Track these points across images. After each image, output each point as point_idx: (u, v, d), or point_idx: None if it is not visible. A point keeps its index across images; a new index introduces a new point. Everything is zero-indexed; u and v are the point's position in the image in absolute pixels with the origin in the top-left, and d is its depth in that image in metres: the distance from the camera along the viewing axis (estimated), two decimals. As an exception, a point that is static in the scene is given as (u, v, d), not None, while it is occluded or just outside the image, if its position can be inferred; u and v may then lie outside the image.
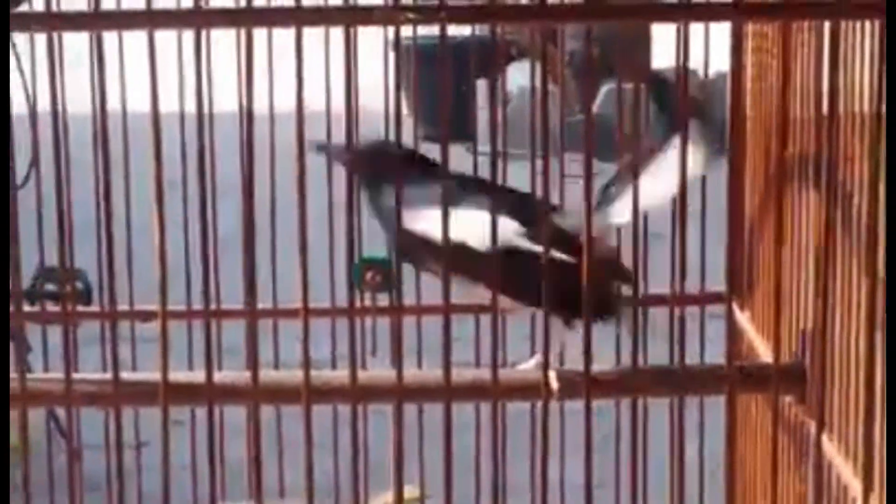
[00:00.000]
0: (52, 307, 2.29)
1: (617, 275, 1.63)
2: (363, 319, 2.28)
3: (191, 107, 1.48)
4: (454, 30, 1.34)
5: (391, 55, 2.46)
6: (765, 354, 1.72)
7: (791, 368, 1.57)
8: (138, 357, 2.13)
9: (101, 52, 1.41)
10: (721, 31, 1.61)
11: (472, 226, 1.60)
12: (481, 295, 1.64)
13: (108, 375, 1.48)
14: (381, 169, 1.71)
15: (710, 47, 2.05)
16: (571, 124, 2.24)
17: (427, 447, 2.12)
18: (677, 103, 1.45)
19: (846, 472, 1.41)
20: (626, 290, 1.62)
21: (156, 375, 1.44)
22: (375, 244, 2.04)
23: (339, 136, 1.97)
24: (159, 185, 1.39)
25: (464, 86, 2.39)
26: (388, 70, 2.40)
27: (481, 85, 2.64)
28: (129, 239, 2.21)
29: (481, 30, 2.29)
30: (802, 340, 1.59)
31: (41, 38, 1.52)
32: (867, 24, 1.34)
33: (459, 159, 1.72)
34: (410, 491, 2.09)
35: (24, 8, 1.47)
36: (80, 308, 2.27)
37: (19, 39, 2.64)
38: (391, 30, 1.80)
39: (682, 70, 1.63)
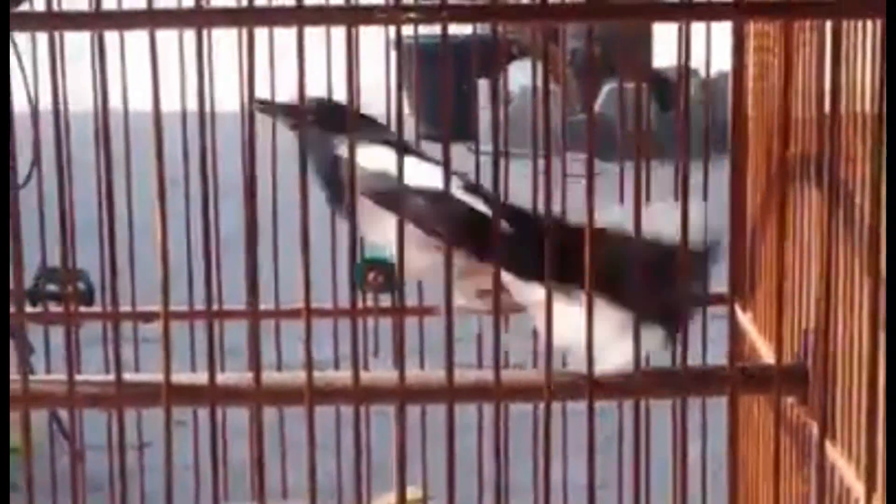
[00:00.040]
0: (54, 308, 2.29)
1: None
2: (365, 320, 2.28)
3: (192, 105, 1.48)
4: (456, 29, 1.34)
5: (393, 54, 2.46)
6: (767, 355, 1.72)
7: (793, 369, 1.57)
8: (141, 358, 2.13)
9: (102, 50, 1.41)
10: (723, 31, 1.61)
11: (418, 171, 1.62)
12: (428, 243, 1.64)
13: (111, 377, 1.48)
14: (325, 127, 1.73)
15: (712, 46, 2.05)
16: (573, 124, 2.24)
17: (430, 448, 2.12)
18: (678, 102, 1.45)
19: (849, 474, 1.41)
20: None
21: (158, 376, 1.44)
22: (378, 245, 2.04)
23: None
24: (161, 185, 1.39)
25: (465, 85, 2.39)
26: (389, 69, 2.39)
27: (483, 84, 2.63)
28: (131, 239, 2.21)
29: (483, 29, 2.29)
30: (805, 341, 1.59)
31: (42, 37, 1.51)
32: (869, 23, 1.34)
33: (461, 159, 1.72)
34: (413, 492, 2.08)
35: (25, 7, 1.48)
36: (83, 309, 2.26)
37: (20, 38, 2.64)
38: (393, 29, 1.79)
39: (684, 69, 1.63)
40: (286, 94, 1.71)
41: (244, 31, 1.33)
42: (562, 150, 2.12)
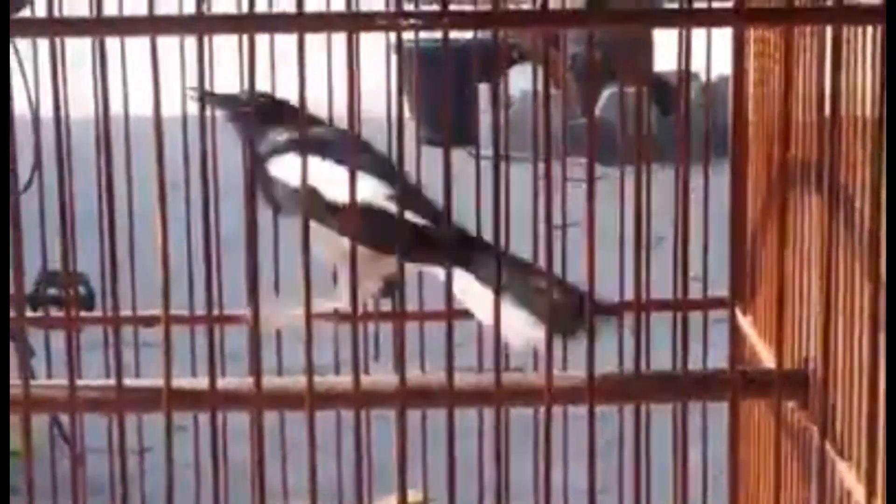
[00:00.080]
0: (55, 312, 2.28)
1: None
2: (366, 325, 2.28)
3: (193, 109, 1.48)
4: (456, 33, 1.34)
5: (393, 58, 2.45)
6: (767, 359, 1.72)
7: (794, 374, 1.57)
8: (141, 362, 2.13)
9: (103, 55, 1.41)
10: (723, 35, 1.61)
11: (329, 176, 1.65)
12: (340, 245, 1.68)
13: (112, 381, 1.48)
14: (260, 121, 1.77)
15: (713, 51, 2.05)
16: (574, 128, 2.24)
17: (430, 452, 2.12)
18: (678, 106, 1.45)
19: (849, 478, 1.41)
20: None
21: (159, 382, 1.44)
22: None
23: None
24: (162, 189, 1.39)
25: (466, 89, 2.39)
26: (390, 73, 2.39)
27: (483, 88, 2.63)
28: (131, 243, 2.20)
29: (483, 33, 2.29)
30: (805, 345, 1.59)
31: (44, 42, 1.52)
32: (869, 28, 1.34)
33: (462, 163, 1.72)
34: (414, 495, 2.08)
35: (26, 13, 1.48)
36: (83, 313, 2.26)
37: (22, 44, 2.64)
38: (393, 34, 1.80)
39: (685, 74, 1.63)
40: (232, 86, 1.74)
41: (245, 38, 1.33)
42: (562, 154, 2.12)
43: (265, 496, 1.44)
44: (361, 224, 1.52)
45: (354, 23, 1.32)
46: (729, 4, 1.35)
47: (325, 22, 1.32)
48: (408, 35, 1.43)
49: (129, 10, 1.58)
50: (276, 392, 1.52)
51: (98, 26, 1.33)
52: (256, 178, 1.77)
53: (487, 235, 1.58)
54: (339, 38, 1.37)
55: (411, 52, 2.27)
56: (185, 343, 2.19)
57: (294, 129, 1.73)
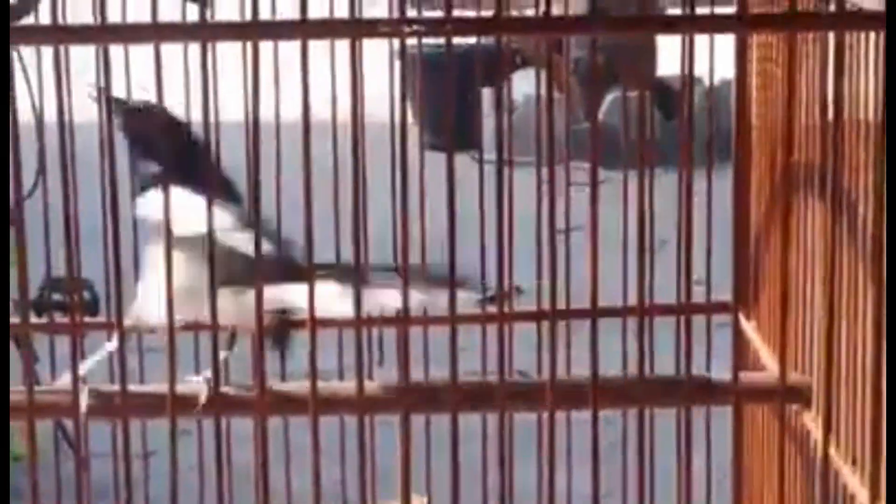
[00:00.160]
0: (59, 318, 2.29)
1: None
2: (370, 330, 2.28)
3: (197, 115, 1.48)
4: (459, 38, 1.34)
5: (396, 64, 2.46)
6: (771, 364, 1.72)
7: (797, 379, 1.57)
8: (146, 368, 2.13)
9: (107, 63, 1.41)
10: (726, 40, 1.61)
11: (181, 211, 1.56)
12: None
13: (116, 387, 1.48)
14: (142, 132, 1.72)
15: (716, 55, 2.05)
16: (577, 132, 2.24)
17: (434, 456, 2.12)
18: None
19: (853, 482, 1.41)
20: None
21: (163, 387, 1.44)
22: (382, 254, 2.04)
23: (345, 145, 1.98)
24: (166, 195, 1.39)
25: (469, 94, 2.39)
26: (393, 79, 2.40)
27: (486, 93, 2.63)
28: (135, 248, 2.21)
29: (486, 38, 2.29)
30: (809, 349, 1.59)
31: (48, 50, 1.52)
32: (871, 34, 1.35)
33: (465, 168, 1.72)
34: (418, 500, 2.09)
35: (30, 20, 1.48)
36: (88, 318, 2.26)
37: (26, 52, 2.65)
38: (397, 40, 1.80)
39: (688, 78, 1.63)
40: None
41: (249, 45, 1.34)
42: (565, 158, 2.12)
43: (269, 500, 1.44)
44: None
45: (358, 29, 1.32)
46: (732, 9, 1.35)
47: (328, 28, 1.32)
48: (411, 41, 1.44)
49: (132, 15, 1.59)
50: (279, 397, 1.52)
51: (102, 34, 1.34)
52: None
53: (491, 240, 1.58)
54: (343, 45, 1.38)
55: (414, 57, 2.27)
56: (189, 348, 2.20)
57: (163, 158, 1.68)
